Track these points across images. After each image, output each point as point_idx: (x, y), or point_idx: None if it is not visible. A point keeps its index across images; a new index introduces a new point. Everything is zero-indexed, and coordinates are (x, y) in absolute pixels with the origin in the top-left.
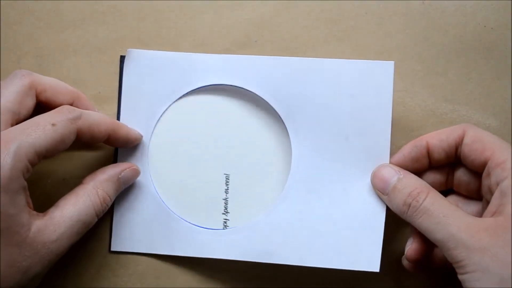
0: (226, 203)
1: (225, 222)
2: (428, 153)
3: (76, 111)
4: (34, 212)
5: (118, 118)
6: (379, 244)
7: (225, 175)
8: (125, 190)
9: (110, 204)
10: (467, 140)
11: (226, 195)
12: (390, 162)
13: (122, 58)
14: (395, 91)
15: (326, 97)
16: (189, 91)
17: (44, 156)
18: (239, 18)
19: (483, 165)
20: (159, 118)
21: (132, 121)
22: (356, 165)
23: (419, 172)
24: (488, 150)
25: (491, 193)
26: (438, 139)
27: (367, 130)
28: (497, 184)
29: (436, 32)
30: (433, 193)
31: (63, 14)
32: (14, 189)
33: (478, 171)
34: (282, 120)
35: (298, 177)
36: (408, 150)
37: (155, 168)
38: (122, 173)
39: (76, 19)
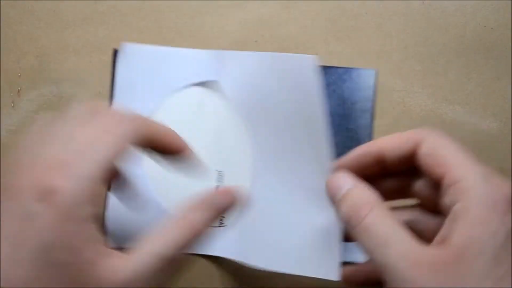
0: None
1: (220, 219)
2: (382, 160)
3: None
4: (109, 250)
5: None
6: (337, 252)
7: (217, 172)
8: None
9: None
10: (421, 152)
11: None
12: (337, 165)
13: (116, 52)
14: (395, 91)
15: (266, 93)
16: (181, 87)
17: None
18: (239, 18)
19: (439, 182)
20: (151, 115)
21: None
22: (309, 165)
23: (372, 179)
24: (442, 166)
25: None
26: (392, 146)
27: (306, 130)
28: (450, 206)
29: (436, 32)
30: (377, 211)
31: (63, 14)
32: (80, 216)
33: (436, 186)
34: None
35: (260, 179)
36: (356, 155)
37: (148, 164)
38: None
39: (76, 19)
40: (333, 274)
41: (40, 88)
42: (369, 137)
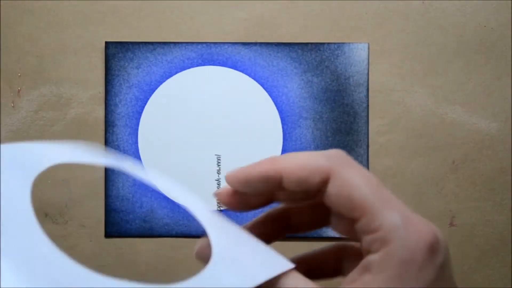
0: (218, 184)
1: (218, 203)
2: (280, 185)
3: None
4: None
5: (105, 102)
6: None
7: (216, 156)
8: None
9: None
10: (331, 190)
11: (218, 176)
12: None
13: (107, 44)
14: (395, 91)
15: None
16: (176, 74)
17: None
18: (239, 18)
19: (353, 223)
20: (147, 102)
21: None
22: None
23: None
24: (356, 210)
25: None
26: (295, 178)
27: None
28: (364, 252)
29: (436, 32)
30: None
31: (63, 14)
32: None
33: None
34: (271, 99)
35: None
36: (252, 176)
37: (145, 152)
38: None
39: (76, 19)
40: None
41: (40, 88)
42: (365, 111)
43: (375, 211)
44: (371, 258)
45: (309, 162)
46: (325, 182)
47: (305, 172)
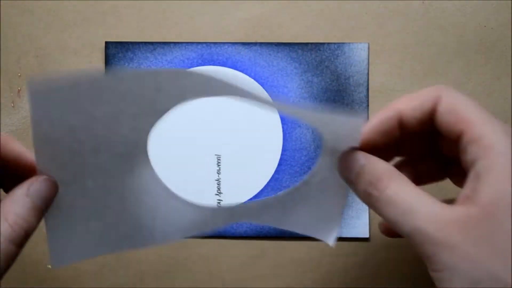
0: (219, 184)
1: (218, 203)
2: (400, 124)
3: None
4: None
5: None
6: (339, 220)
7: (216, 156)
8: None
9: (28, 226)
10: (440, 109)
11: (218, 176)
12: (362, 137)
13: (107, 44)
14: (395, 91)
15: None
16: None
17: None
18: (239, 18)
19: (459, 139)
20: None
21: None
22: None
23: (390, 145)
24: (462, 123)
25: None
26: (411, 107)
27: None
28: (472, 163)
29: (436, 32)
30: (396, 181)
31: (63, 14)
32: None
33: (455, 145)
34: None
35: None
36: (378, 123)
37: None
38: (30, 188)
39: (76, 19)
40: (332, 239)
41: None
42: (366, 112)
43: (478, 122)
44: (479, 165)
45: (420, 93)
46: (435, 104)
47: (419, 100)
